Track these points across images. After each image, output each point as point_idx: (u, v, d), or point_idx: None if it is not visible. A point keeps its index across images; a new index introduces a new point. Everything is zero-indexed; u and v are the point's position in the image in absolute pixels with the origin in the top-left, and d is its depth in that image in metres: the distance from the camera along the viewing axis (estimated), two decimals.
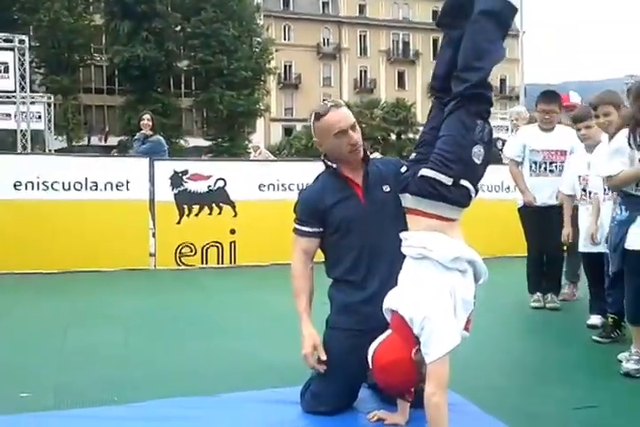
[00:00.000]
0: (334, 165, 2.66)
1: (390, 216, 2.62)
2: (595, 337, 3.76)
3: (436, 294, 2.13)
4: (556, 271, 4.82)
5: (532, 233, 4.75)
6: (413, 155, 2.43)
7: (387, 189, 2.66)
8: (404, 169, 2.41)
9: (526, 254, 4.87)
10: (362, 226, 2.59)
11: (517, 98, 29.99)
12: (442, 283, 2.15)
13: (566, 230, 4.37)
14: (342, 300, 2.63)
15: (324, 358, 2.51)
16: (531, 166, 4.66)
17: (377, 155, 11.36)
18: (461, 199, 2.24)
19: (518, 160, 4.69)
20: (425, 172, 2.23)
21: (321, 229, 2.65)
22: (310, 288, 2.66)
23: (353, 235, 2.60)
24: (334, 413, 2.56)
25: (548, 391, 2.94)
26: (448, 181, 2.19)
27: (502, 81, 55.44)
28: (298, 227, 2.68)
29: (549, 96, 4.64)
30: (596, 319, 4.05)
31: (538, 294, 4.71)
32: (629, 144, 3.11)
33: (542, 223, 4.61)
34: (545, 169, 4.63)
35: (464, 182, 2.21)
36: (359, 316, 2.56)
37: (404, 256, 2.47)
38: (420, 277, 2.20)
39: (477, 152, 2.22)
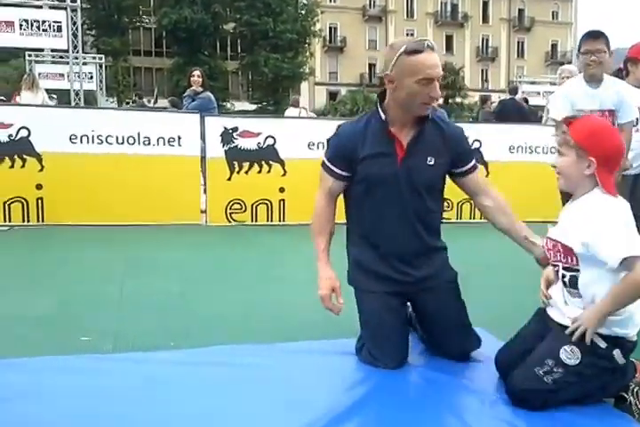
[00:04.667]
0: (383, 116, 2.47)
1: (422, 188, 2.50)
2: None
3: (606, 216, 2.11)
4: None
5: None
6: None
7: (431, 161, 2.49)
8: None
9: None
10: (389, 188, 2.47)
11: (570, 64, 29.02)
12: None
13: None
14: (359, 261, 2.59)
15: (341, 301, 2.48)
16: None
17: None
18: None
19: None
20: None
21: (349, 175, 2.52)
22: (331, 229, 2.58)
23: (377, 193, 2.49)
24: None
25: None
26: None
27: (553, 46, 53.87)
28: (328, 164, 2.54)
29: (595, 34, 3.74)
30: None
31: None
32: None
33: None
34: None
35: None
36: (378, 278, 2.54)
37: (425, 227, 2.53)
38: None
39: None
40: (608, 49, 3.78)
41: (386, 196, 2.47)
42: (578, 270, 2.17)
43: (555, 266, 2.27)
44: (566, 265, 2.20)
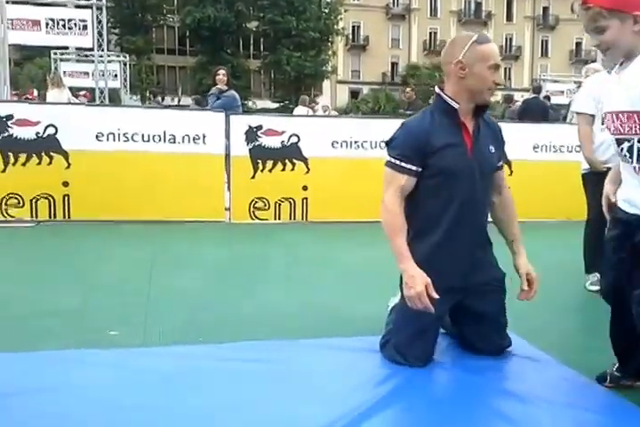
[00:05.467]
0: (456, 105, 2.52)
1: (486, 177, 2.58)
2: None
3: None
4: None
5: (597, 198, 4.09)
6: None
7: (492, 149, 2.61)
8: None
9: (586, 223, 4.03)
10: (461, 178, 2.51)
11: (594, 62, 28.77)
12: None
13: None
14: (422, 256, 2.55)
15: (435, 296, 2.40)
16: (603, 120, 4.02)
17: None
18: None
19: (589, 113, 3.88)
20: None
21: (421, 169, 2.52)
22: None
23: (450, 185, 2.51)
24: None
25: None
26: None
27: (578, 44, 53.24)
28: (400, 163, 2.51)
29: None
30: None
31: (597, 274, 3.89)
32: None
33: None
34: None
35: None
36: (435, 275, 2.48)
37: (485, 218, 2.62)
38: None
39: None
40: None
41: (459, 186, 2.51)
42: None
43: (629, 141, 2.18)
44: None
